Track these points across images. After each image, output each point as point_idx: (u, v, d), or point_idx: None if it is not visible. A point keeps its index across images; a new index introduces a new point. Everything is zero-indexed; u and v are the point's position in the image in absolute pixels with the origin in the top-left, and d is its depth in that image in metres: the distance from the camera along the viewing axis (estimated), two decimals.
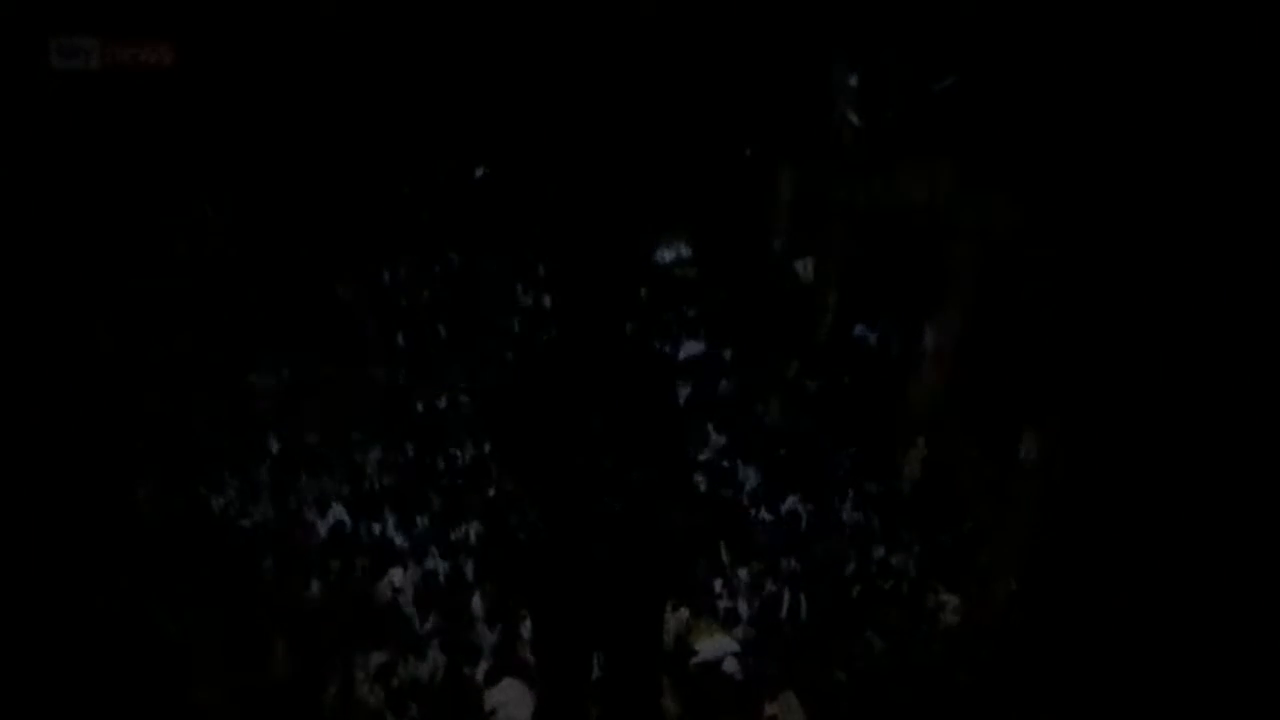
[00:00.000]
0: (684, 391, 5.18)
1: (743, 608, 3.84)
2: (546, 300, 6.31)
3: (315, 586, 4.00)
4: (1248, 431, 3.02)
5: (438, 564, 4.09)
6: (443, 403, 5.30)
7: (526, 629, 3.54)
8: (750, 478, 4.67)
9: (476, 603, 3.85)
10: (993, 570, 3.86)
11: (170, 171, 6.29)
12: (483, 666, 3.54)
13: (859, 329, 5.95)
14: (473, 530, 4.22)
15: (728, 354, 5.80)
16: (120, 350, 5.28)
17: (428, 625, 3.81)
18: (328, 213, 6.93)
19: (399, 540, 4.29)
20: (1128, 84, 3.56)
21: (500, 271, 6.65)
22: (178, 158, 6.34)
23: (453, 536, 4.24)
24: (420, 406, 5.32)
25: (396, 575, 4.06)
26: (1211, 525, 3.06)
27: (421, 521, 4.36)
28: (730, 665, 3.49)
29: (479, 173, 7.65)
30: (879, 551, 4.32)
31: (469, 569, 4.06)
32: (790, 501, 4.47)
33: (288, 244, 6.61)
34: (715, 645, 3.55)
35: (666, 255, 6.83)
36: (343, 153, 7.24)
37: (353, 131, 7.30)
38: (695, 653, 3.53)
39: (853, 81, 5.93)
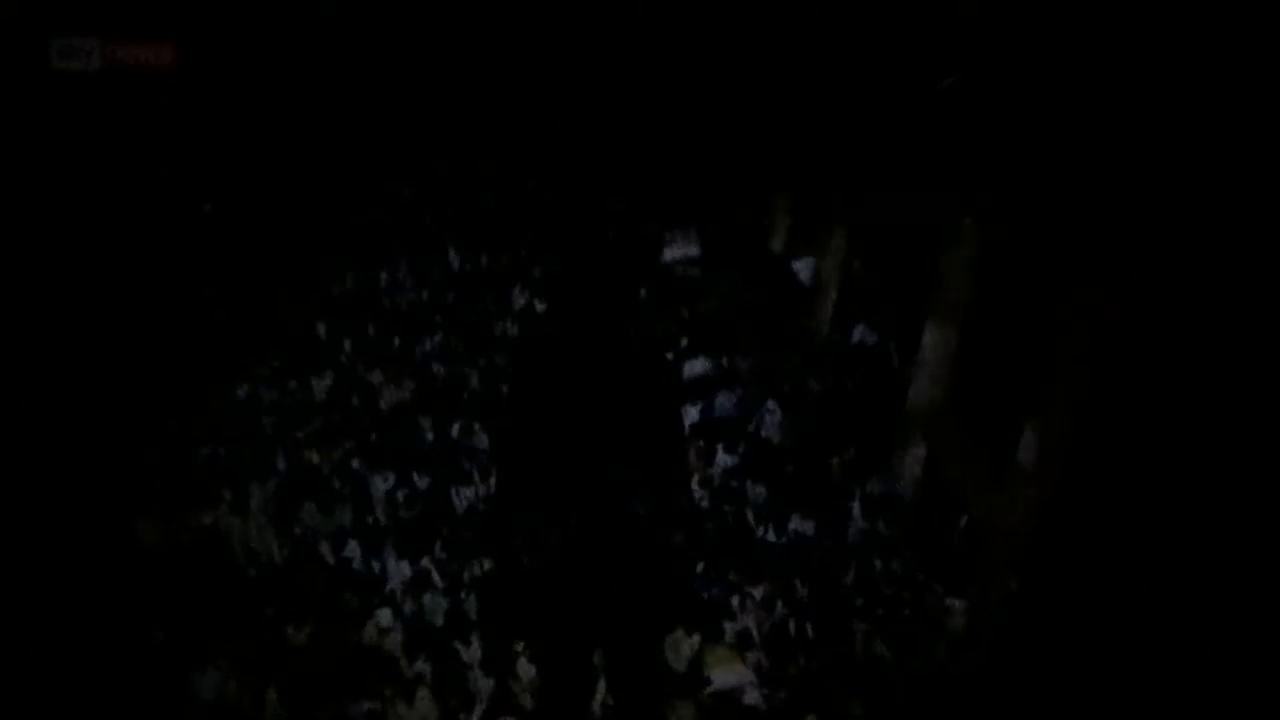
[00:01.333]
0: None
1: (755, 631, 3.80)
2: (540, 304, 6.25)
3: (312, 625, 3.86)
4: (1250, 431, 3.01)
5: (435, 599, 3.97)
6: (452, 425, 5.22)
7: (523, 669, 3.47)
8: (756, 493, 4.65)
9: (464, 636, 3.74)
10: (993, 571, 3.83)
11: (169, 171, 6.24)
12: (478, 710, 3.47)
13: (859, 330, 5.91)
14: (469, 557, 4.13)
15: (725, 360, 5.76)
16: (116, 356, 5.23)
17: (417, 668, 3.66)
18: (327, 215, 6.89)
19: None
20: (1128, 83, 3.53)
21: (501, 273, 6.61)
22: (177, 158, 6.29)
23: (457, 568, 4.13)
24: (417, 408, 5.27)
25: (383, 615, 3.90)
26: (1214, 525, 3.05)
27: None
28: (747, 694, 3.46)
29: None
30: (880, 559, 4.30)
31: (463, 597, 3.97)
32: (797, 521, 4.44)
33: (286, 246, 6.57)
34: (730, 674, 3.51)
35: (668, 255, 6.79)
36: (342, 154, 7.20)
37: (352, 132, 7.25)
38: (709, 682, 3.49)
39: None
